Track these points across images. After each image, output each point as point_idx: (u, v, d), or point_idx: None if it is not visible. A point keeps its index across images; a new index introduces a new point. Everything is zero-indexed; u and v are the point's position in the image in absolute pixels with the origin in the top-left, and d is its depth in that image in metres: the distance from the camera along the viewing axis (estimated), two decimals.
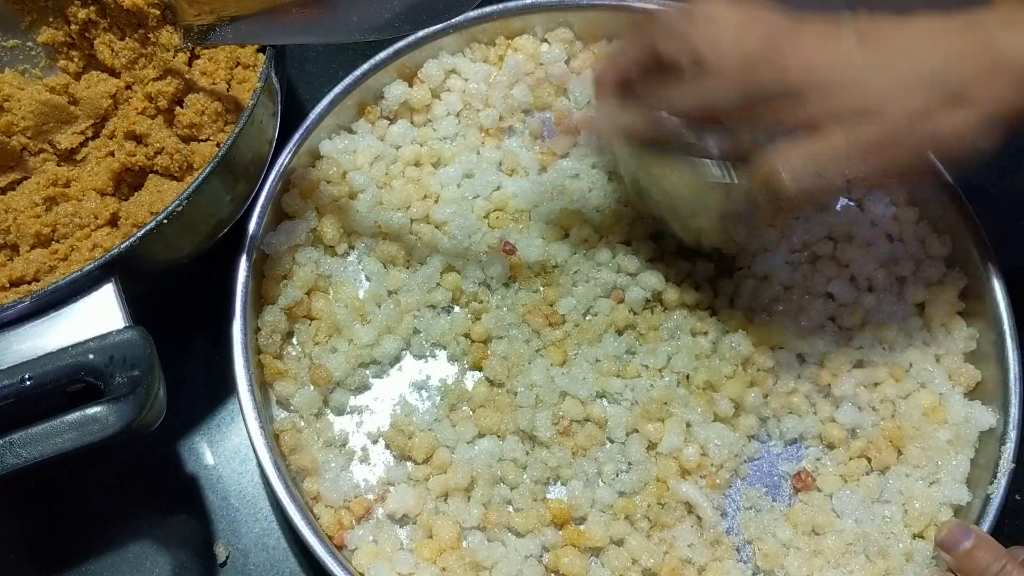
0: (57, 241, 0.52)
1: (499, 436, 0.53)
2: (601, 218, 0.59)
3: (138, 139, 0.54)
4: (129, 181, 0.55)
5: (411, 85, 0.63)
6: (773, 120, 0.47)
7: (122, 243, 0.44)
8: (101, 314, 0.45)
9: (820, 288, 0.58)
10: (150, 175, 0.54)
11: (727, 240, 0.58)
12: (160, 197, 0.52)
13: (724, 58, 0.46)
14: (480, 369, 0.55)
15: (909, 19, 0.46)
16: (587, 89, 0.64)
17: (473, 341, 0.56)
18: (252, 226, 0.55)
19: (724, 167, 0.50)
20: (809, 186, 0.46)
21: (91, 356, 0.43)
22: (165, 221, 0.45)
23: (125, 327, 0.44)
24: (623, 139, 0.52)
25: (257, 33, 0.50)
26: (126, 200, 0.54)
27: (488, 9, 0.64)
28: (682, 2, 0.50)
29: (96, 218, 0.53)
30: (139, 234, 0.44)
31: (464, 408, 0.55)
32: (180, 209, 0.46)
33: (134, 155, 0.54)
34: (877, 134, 0.45)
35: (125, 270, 0.45)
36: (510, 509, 0.52)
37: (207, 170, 0.46)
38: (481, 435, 0.53)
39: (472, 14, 0.63)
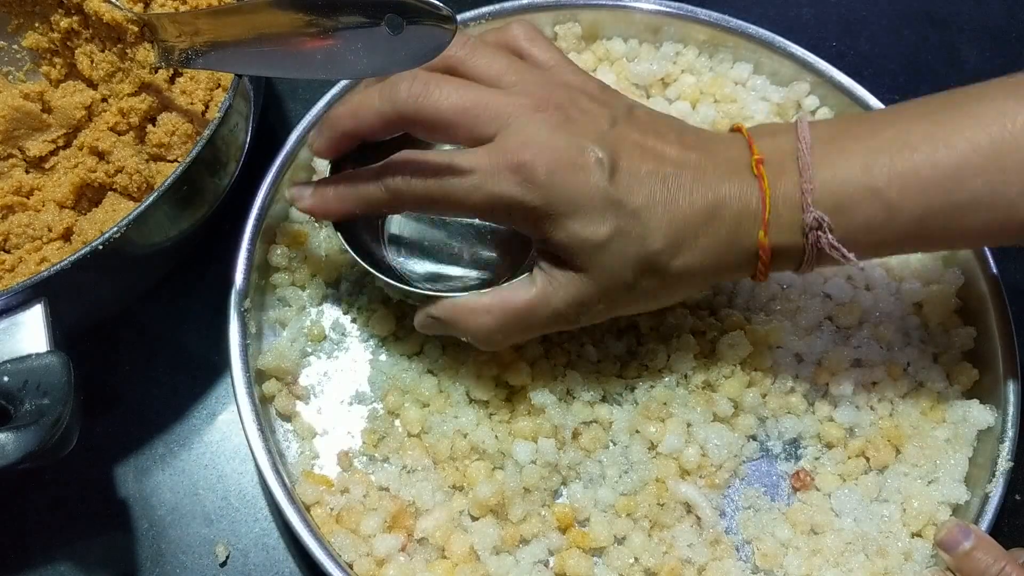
0: (7, 251, 0.52)
1: (533, 440, 0.52)
2: None
3: (100, 155, 0.54)
4: (90, 196, 0.55)
5: None
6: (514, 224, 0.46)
7: (51, 266, 0.43)
8: (26, 335, 0.44)
9: (817, 288, 0.58)
10: (109, 192, 0.54)
11: None
12: (113, 216, 0.52)
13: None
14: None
15: (659, 151, 0.45)
16: None
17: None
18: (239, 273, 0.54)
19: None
20: (500, 338, 0.48)
21: (5, 378, 0.42)
22: (100, 247, 0.44)
23: (47, 351, 0.43)
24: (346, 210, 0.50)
25: (230, 62, 0.49)
26: (85, 215, 0.54)
27: (485, 9, 0.64)
28: None
29: (49, 231, 0.52)
30: (71, 259, 0.44)
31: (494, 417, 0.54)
32: (119, 235, 0.45)
33: (95, 171, 0.53)
34: (572, 295, 0.46)
35: (57, 292, 0.44)
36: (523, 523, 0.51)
37: (151, 199, 0.45)
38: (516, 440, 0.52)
39: (468, 14, 0.63)
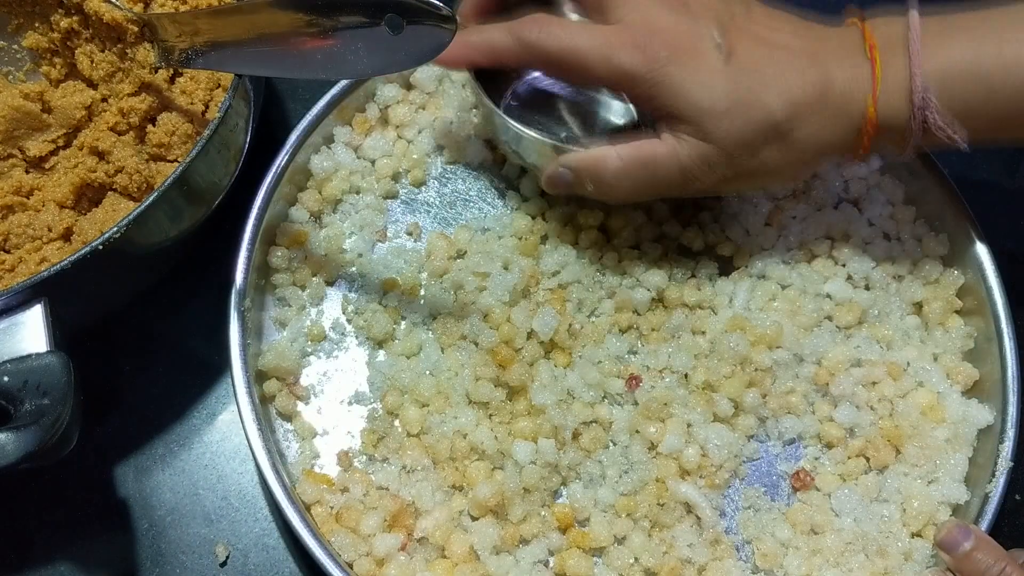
0: (7, 251, 0.52)
1: (533, 440, 0.52)
2: (610, 221, 0.59)
3: (100, 155, 0.54)
4: (90, 196, 0.55)
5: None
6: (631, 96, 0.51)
7: (51, 266, 0.43)
8: (26, 335, 0.44)
9: (817, 287, 0.58)
10: (109, 192, 0.54)
11: None
12: (114, 216, 0.52)
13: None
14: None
15: (773, 40, 0.49)
16: None
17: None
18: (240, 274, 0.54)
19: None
20: (631, 188, 0.50)
21: (5, 378, 0.42)
22: (100, 247, 0.44)
23: (47, 351, 0.43)
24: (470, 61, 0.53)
25: (230, 62, 0.49)
26: (85, 215, 0.54)
27: None
28: None
29: (49, 231, 0.52)
30: (71, 259, 0.44)
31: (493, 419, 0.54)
32: (119, 235, 0.45)
33: (95, 171, 0.53)
34: (701, 153, 0.48)
35: (57, 292, 0.44)
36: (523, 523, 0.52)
37: (151, 199, 0.45)
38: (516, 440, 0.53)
39: None
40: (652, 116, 0.50)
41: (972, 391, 0.56)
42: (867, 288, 0.59)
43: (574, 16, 0.56)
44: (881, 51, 0.48)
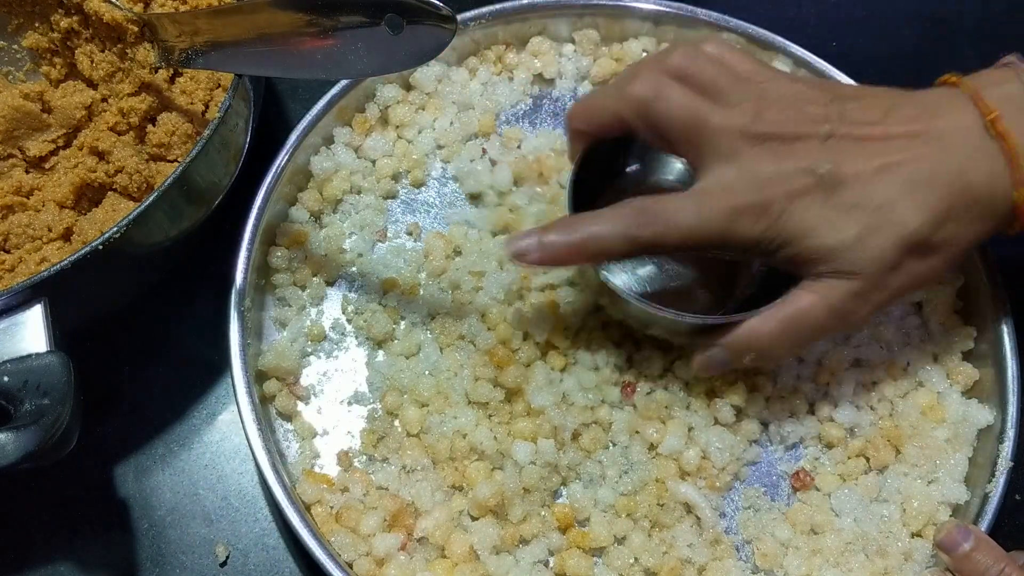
0: (7, 251, 0.52)
1: (532, 440, 0.52)
2: None
3: (100, 155, 0.54)
4: (91, 196, 0.55)
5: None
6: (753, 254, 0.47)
7: (51, 266, 0.43)
8: (26, 335, 0.44)
9: None
10: (109, 192, 0.54)
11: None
12: (114, 216, 0.52)
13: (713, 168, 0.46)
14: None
15: (886, 143, 0.45)
16: None
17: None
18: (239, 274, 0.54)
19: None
20: (791, 347, 0.49)
21: (5, 378, 0.42)
22: (100, 247, 0.44)
23: (47, 351, 0.43)
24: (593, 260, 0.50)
25: (230, 62, 0.49)
26: (85, 215, 0.54)
27: (485, 9, 0.64)
28: None
29: (49, 231, 0.52)
30: (71, 259, 0.44)
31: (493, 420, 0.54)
32: (119, 235, 0.45)
33: (95, 171, 0.53)
34: (851, 290, 0.45)
35: (57, 292, 0.44)
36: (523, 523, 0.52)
37: (151, 199, 0.45)
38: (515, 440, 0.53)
39: (468, 14, 0.63)
40: (787, 269, 0.48)
41: (972, 391, 0.56)
42: None
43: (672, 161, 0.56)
44: (1006, 120, 0.44)
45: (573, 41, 0.66)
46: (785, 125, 0.45)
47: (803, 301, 0.47)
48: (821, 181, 0.45)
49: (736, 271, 0.56)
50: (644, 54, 0.66)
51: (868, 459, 0.54)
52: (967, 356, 0.57)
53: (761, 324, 0.47)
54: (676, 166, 0.58)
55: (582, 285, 0.57)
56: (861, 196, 0.44)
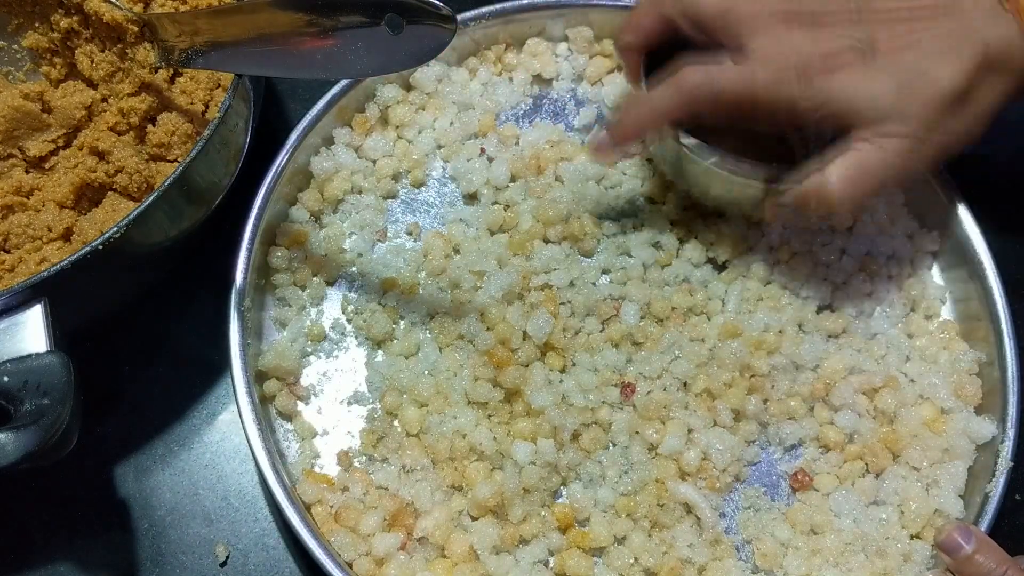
0: (7, 251, 0.52)
1: (532, 441, 0.52)
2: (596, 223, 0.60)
3: (100, 155, 0.54)
4: (91, 196, 0.55)
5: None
6: (798, 121, 0.50)
7: (51, 266, 0.43)
8: (26, 335, 0.44)
9: (797, 288, 0.58)
10: (109, 192, 0.54)
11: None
12: (114, 216, 0.52)
13: (748, 44, 0.50)
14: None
15: (906, 26, 0.49)
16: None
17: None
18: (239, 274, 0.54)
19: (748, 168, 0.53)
20: (858, 197, 0.50)
21: (5, 378, 0.42)
22: (100, 247, 0.44)
23: (46, 351, 0.43)
24: (655, 128, 0.54)
25: (230, 62, 0.49)
26: (85, 215, 0.54)
27: (485, 9, 0.64)
28: None
29: (49, 231, 0.52)
30: (71, 259, 0.44)
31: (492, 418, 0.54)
32: (119, 235, 0.45)
33: (95, 171, 0.53)
34: (902, 146, 0.49)
35: (57, 292, 0.44)
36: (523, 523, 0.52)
37: (151, 199, 0.45)
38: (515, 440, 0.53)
39: (468, 14, 0.63)
40: (833, 133, 0.51)
41: (972, 398, 0.56)
42: (845, 282, 0.59)
43: None
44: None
45: (567, 39, 0.66)
46: (815, 3, 0.50)
47: (862, 156, 0.50)
48: (857, 48, 0.49)
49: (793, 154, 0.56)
50: None
51: (867, 464, 0.54)
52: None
53: (825, 181, 0.50)
54: None
55: (655, 168, 0.60)
56: (896, 60, 0.49)
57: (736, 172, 0.53)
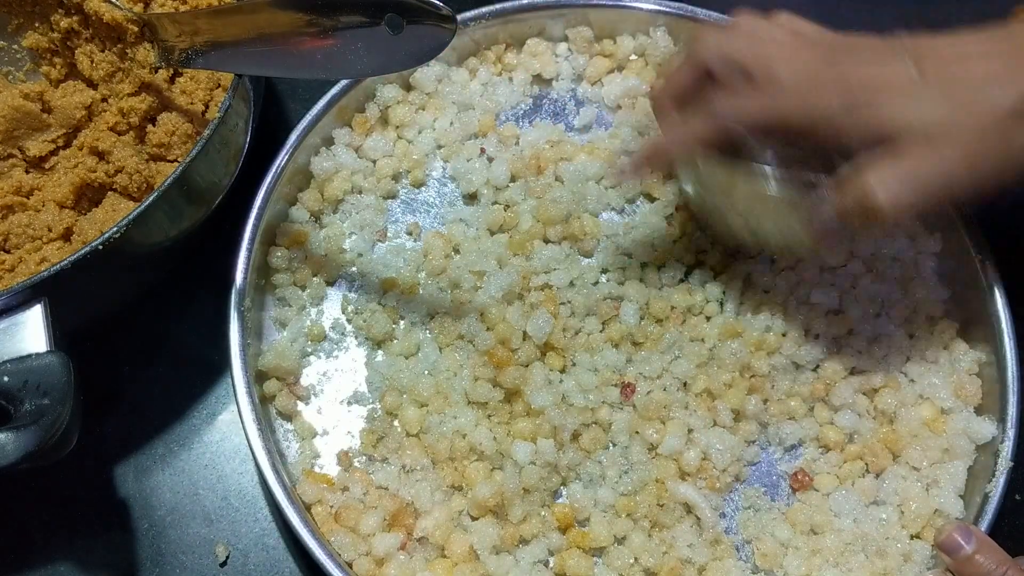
0: (7, 251, 0.52)
1: (532, 441, 0.52)
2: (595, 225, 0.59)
3: (100, 155, 0.54)
4: (91, 196, 0.55)
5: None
6: (837, 139, 0.48)
7: (51, 266, 0.43)
8: (26, 335, 0.44)
9: (804, 294, 0.58)
10: (109, 192, 0.54)
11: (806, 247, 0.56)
12: (114, 216, 0.52)
13: (781, 74, 0.48)
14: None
15: (953, 40, 0.48)
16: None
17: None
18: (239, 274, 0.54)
19: (791, 181, 0.51)
20: (907, 205, 0.47)
21: (5, 378, 0.42)
22: (100, 247, 0.44)
23: (46, 351, 0.43)
24: (692, 150, 0.53)
25: (230, 62, 0.49)
26: (85, 215, 0.54)
27: (485, 9, 0.64)
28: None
29: (49, 231, 0.52)
30: (71, 259, 0.44)
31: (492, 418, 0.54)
32: (119, 235, 0.45)
33: (95, 171, 0.53)
34: (964, 152, 0.46)
35: (57, 292, 0.44)
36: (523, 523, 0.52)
37: (151, 199, 0.45)
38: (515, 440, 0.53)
39: (468, 14, 0.63)
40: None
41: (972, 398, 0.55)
42: (853, 286, 0.58)
43: None
44: None
45: (567, 39, 0.66)
46: (856, 41, 0.50)
47: (915, 160, 0.47)
48: (904, 72, 0.47)
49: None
50: (633, 57, 0.66)
51: (867, 464, 0.54)
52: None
53: (873, 180, 0.47)
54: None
55: (691, 193, 0.59)
56: (947, 82, 0.47)
57: (786, 179, 0.51)
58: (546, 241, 0.59)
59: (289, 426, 0.55)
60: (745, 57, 0.50)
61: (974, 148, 0.47)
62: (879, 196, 0.47)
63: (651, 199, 0.61)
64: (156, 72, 0.55)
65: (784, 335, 0.56)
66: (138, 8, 0.56)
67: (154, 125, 0.55)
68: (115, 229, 0.45)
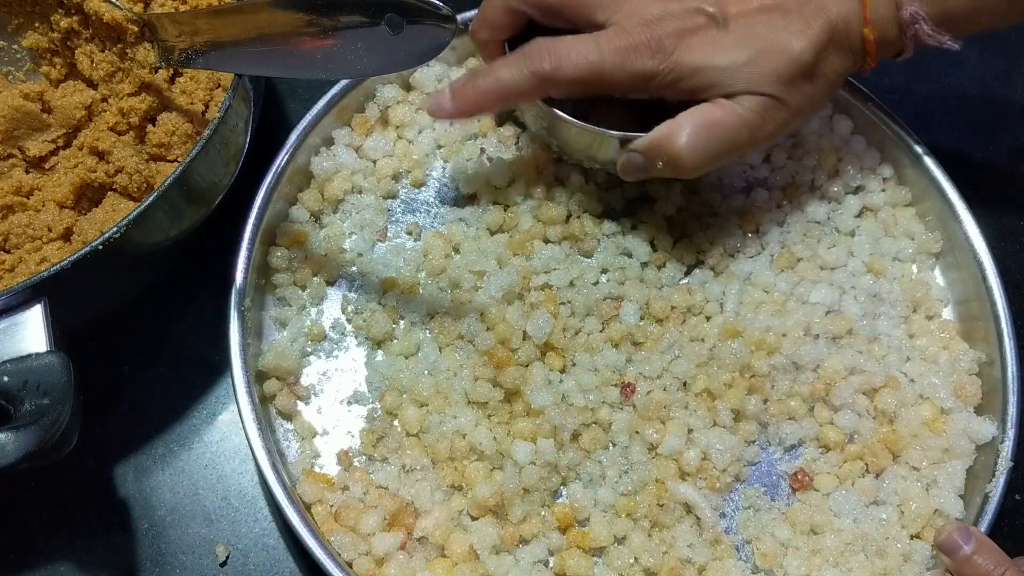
0: (7, 251, 0.52)
1: (532, 440, 0.52)
2: (593, 223, 0.60)
3: (100, 155, 0.54)
4: (91, 196, 0.55)
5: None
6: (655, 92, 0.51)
7: (51, 266, 0.43)
8: (26, 335, 0.44)
9: (804, 294, 0.58)
10: (109, 192, 0.54)
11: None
12: (114, 216, 0.52)
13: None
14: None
15: (756, 3, 0.51)
16: None
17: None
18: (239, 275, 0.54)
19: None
20: (705, 155, 0.51)
21: (5, 378, 0.42)
22: (100, 247, 0.44)
23: (46, 351, 0.43)
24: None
25: (230, 62, 0.49)
26: (85, 215, 0.54)
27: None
28: None
29: (49, 231, 0.52)
30: (71, 259, 0.44)
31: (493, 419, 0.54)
32: (119, 235, 0.45)
33: (95, 171, 0.53)
34: (759, 104, 0.50)
35: (57, 292, 0.44)
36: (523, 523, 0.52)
37: (151, 199, 0.45)
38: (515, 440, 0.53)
39: (468, 14, 0.62)
40: (687, 99, 0.51)
41: (971, 398, 0.56)
42: (853, 287, 0.59)
43: None
44: None
45: None
46: None
47: (717, 112, 0.51)
48: (710, 18, 0.50)
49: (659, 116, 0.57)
50: None
51: (867, 464, 0.54)
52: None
53: (672, 129, 0.51)
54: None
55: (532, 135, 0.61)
56: (748, 29, 0.51)
57: (599, 132, 0.54)
58: (546, 241, 0.59)
59: (289, 426, 0.55)
60: (556, 2, 0.52)
61: (779, 96, 0.50)
62: (679, 142, 0.50)
63: (652, 200, 0.61)
64: (156, 72, 0.55)
65: (784, 335, 0.56)
66: (138, 8, 0.56)
67: (154, 125, 0.55)
68: (115, 229, 0.45)
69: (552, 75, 0.50)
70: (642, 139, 0.52)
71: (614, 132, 0.53)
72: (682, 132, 0.50)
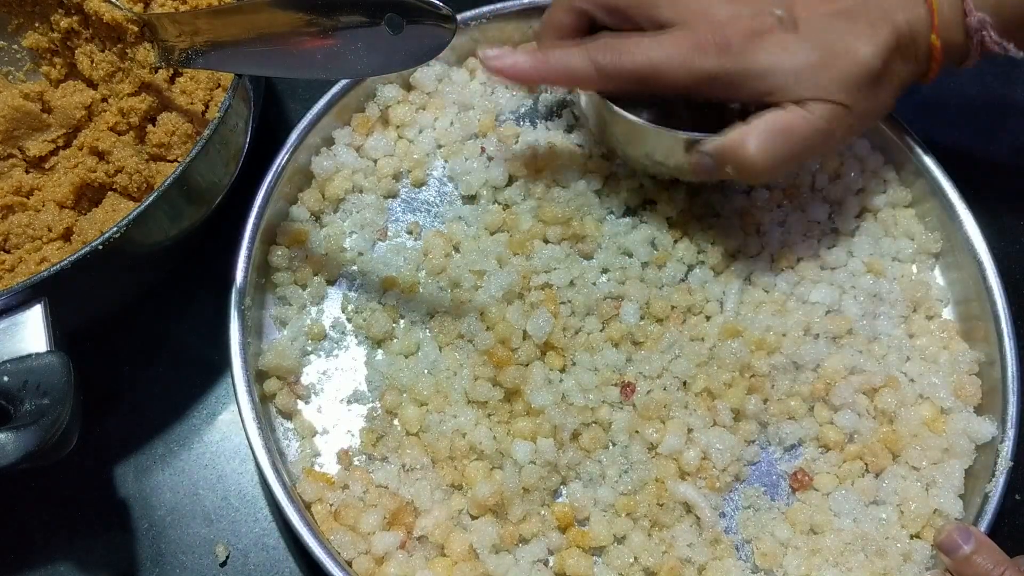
0: (7, 251, 0.52)
1: (532, 440, 0.52)
2: (594, 223, 0.60)
3: (100, 155, 0.54)
4: (91, 196, 0.55)
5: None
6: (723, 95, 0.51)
7: (51, 266, 0.43)
8: (26, 335, 0.44)
9: (802, 293, 0.58)
10: (109, 192, 0.54)
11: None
12: (114, 216, 0.52)
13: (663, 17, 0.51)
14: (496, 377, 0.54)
15: (825, 7, 0.51)
16: None
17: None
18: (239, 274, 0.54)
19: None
20: (776, 159, 0.50)
21: (5, 378, 0.42)
22: (100, 247, 0.44)
23: (46, 351, 0.43)
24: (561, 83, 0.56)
25: (230, 62, 0.49)
26: (85, 215, 0.54)
27: (485, 9, 0.64)
28: None
29: (49, 231, 0.52)
30: (71, 259, 0.44)
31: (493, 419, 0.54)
32: (119, 235, 0.45)
33: (95, 171, 0.53)
34: (830, 112, 0.50)
35: (57, 292, 0.44)
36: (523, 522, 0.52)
37: (151, 199, 0.45)
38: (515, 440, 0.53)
39: (468, 14, 0.63)
40: (752, 104, 0.51)
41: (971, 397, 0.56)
42: (853, 287, 0.59)
43: None
44: None
45: None
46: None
47: (788, 117, 0.50)
48: (779, 21, 0.50)
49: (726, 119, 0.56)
50: None
51: (867, 464, 0.54)
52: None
53: (745, 134, 0.50)
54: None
55: (590, 130, 0.61)
56: (816, 32, 0.50)
57: (656, 134, 0.54)
58: (546, 241, 0.59)
59: (289, 425, 0.55)
60: (624, 3, 0.52)
61: (848, 103, 0.50)
62: (750, 147, 0.50)
63: (652, 201, 0.61)
64: (156, 72, 0.55)
65: (784, 335, 0.56)
66: (138, 8, 0.56)
67: (154, 125, 0.55)
68: (115, 229, 0.45)
69: (612, 68, 0.51)
70: (715, 141, 0.52)
71: (683, 133, 0.53)
72: (754, 137, 0.50)
